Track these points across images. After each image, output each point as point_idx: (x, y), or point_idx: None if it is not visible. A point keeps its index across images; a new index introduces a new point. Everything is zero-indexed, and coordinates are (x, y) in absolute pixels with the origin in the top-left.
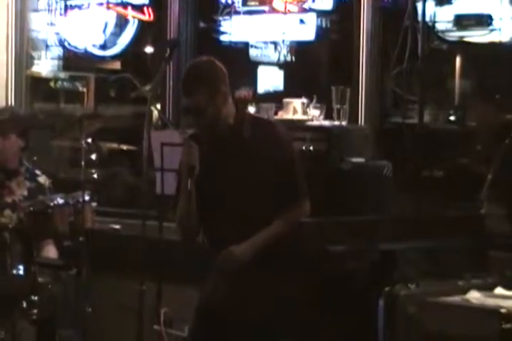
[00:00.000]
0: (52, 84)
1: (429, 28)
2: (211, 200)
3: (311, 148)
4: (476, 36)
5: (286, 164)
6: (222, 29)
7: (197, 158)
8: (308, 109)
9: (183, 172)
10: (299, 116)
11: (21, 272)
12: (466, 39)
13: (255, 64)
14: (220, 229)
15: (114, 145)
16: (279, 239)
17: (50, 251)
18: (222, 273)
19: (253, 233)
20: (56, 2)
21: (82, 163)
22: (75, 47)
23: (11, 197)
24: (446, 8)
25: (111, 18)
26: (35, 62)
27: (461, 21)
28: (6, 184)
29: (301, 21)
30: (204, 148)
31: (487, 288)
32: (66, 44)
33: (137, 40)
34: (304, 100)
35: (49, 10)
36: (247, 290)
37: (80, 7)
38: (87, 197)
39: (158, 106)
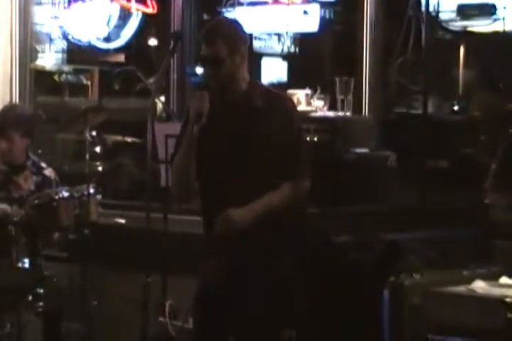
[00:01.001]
0: (56, 77)
1: (433, 18)
2: (212, 159)
3: (316, 138)
4: (480, 26)
5: (290, 137)
6: None
7: (207, 106)
8: (312, 100)
9: (191, 118)
10: (303, 107)
11: (27, 265)
12: (469, 29)
13: (259, 55)
14: (217, 190)
15: (119, 138)
16: (282, 217)
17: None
18: (219, 237)
19: (249, 198)
20: None
21: (87, 156)
22: (79, 41)
23: (18, 193)
24: None
25: (114, 10)
26: (39, 55)
27: (465, 11)
28: (14, 179)
29: (305, 12)
30: (212, 104)
31: (492, 278)
32: (70, 37)
33: (141, 33)
34: (308, 91)
35: (53, 3)
36: (246, 275)
37: (83, 0)
38: (91, 190)
39: (163, 98)
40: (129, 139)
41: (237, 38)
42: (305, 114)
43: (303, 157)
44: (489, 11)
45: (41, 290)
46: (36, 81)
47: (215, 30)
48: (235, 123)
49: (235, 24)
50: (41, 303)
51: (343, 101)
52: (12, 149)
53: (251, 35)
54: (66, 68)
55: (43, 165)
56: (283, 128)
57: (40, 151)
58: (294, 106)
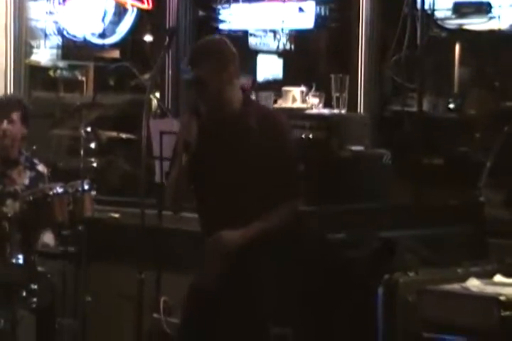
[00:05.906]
0: (51, 73)
1: (428, 16)
2: (204, 177)
3: (310, 136)
4: (475, 24)
5: (283, 161)
6: (221, 17)
7: (194, 133)
8: (307, 97)
9: (179, 147)
10: (298, 104)
11: (21, 261)
12: (465, 27)
13: (254, 52)
14: (208, 208)
15: (114, 134)
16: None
17: (47, 237)
18: (211, 256)
19: (242, 218)
20: None
21: (82, 152)
22: (74, 36)
23: (13, 187)
24: None
25: (110, 6)
26: (34, 51)
27: (461, 9)
28: (8, 173)
29: (300, 9)
30: (205, 125)
31: (486, 276)
32: (65, 33)
33: (136, 29)
34: (303, 88)
35: None
36: (239, 274)
37: None
38: (86, 186)
39: (157, 94)
40: (123, 135)
41: (224, 56)
42: (300, 111)
43: (294, 179)
44: (485, 9)
45: (35, 286)
46: (31, 77)
47: (197, 52)
48: (228, 145)
49: (219, 43)
50: (35, 299)
51: (338, 98)
52: (13, 132)
53: (246, 32)
54: (61, 64)
55: (36, 161)
56: (276, 150)
57: (34, 147)
58: (287, 125)
